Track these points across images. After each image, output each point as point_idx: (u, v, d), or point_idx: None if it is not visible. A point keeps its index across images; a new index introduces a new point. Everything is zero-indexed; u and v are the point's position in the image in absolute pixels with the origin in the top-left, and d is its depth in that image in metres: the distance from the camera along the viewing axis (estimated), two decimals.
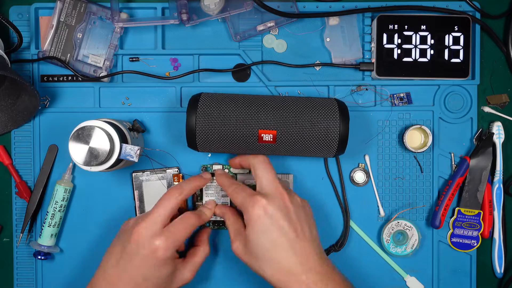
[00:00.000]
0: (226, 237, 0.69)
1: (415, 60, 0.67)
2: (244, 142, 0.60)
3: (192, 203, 0.68)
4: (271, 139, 0.59)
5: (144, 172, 0.68)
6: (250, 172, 0.68)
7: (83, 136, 0.57)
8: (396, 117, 0.69)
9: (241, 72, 0.69)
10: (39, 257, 0.67)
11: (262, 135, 0.59)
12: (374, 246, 0.69)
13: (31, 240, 0.68)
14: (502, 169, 0.68)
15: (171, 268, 0.58)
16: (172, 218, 0.59)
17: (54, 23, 0.66)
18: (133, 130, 0.64)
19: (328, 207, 0.69)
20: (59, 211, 0.66)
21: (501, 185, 0.68)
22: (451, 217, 0.68)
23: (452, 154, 0.69)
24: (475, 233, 0.68)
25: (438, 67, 0.67)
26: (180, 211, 0.65)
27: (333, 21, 0.68)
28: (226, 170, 0.68)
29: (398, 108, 0.69)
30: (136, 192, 0.68)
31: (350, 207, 0.69)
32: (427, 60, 0.67)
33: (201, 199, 0.68)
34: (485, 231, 0.68)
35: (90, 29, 0.67)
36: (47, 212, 0.66)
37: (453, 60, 0.67)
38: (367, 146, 0.69)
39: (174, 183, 0.68)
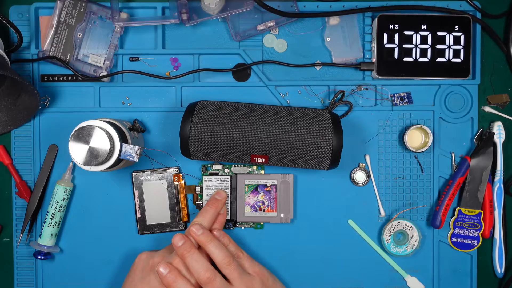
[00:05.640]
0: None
1: (416, 59, 0.67)
2: (237, 160, 0.63)
3: (193, 202, 0.68)
4: (263, 161, 0.62)
5: (144, 172, 0.68)
6: (250, 171, 0.68)
7: (83, 136, 0.57)
8: (397, 116, 0.69)
9: (241, 71, 0.69)
10: (39, 257, 0.67)
11: (254, 158, 0.61)
12: (375, 246, 0.69)
13: (31, 240, 0.68)
14: (502, 169, 0.68)
15: None
16: None
17: (54, 22, 0.66)
18: (133, 130, 0.64)
19: (329, 206, 0.69)
20: (59, 211, 0.66)
21: (502, 185, 0.68)
22: (451, 217, 0.68)
23: (453, 154, 0.68)
24: (475, 233, 0.68)
25: (438, 66, 0.67)
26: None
27: (333, 20, 0.68)
28: (227, 170, 0.68)
29: (398, 108, 0.68)
30: (136, 192, 0.68)
31: (350, 207, 0.69)
32: (427, 60, 0.67)
33: (201, 198, 0.68)
34: (485, 231, 0.68)
35: (90, 28, 0.67)
36: (47, 212, 0.66)
37: (454, 59, 0.67)
38: (367, 146, 0.69)
39: (174, 183, 0.68)
